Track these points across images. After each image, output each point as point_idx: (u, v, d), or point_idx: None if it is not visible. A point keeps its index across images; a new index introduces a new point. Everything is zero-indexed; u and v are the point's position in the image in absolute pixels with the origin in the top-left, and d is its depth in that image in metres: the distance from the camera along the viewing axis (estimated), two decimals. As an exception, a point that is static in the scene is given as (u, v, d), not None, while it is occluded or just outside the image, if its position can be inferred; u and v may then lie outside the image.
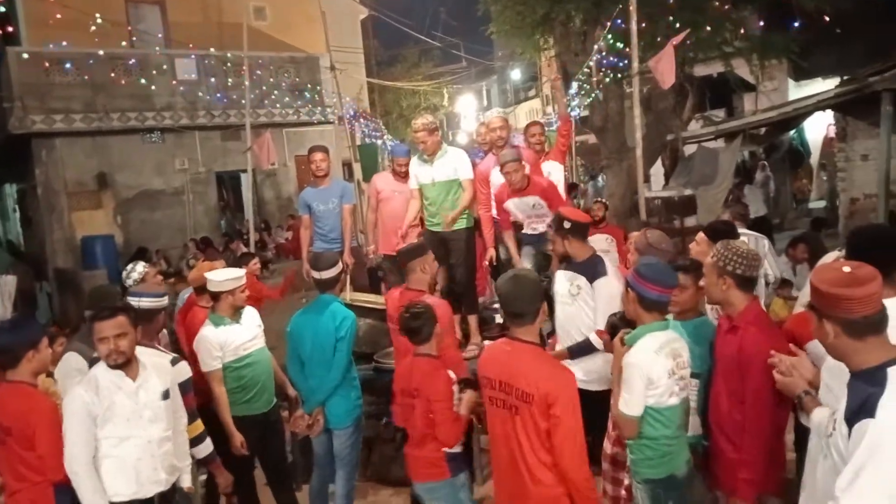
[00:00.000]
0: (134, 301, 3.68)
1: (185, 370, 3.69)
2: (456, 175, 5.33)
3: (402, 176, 6.00)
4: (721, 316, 3.17)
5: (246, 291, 4.34)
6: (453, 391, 3.40)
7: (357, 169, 14.83)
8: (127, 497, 3.19)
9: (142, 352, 3.44)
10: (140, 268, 4.91)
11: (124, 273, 4.96)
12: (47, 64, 13.18)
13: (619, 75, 10.76)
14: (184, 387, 3.62)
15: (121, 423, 3.18)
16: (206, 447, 3.75)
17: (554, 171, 5.89)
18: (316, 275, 4.29)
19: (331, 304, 4.14)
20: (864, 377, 2.00)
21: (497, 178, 5.30)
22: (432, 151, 5.34)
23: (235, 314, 4.24)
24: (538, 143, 6.02)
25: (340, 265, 4.41)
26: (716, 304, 3.11)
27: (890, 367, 1.98)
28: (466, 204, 5.34)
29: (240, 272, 4.38)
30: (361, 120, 16.55)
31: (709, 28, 10.18)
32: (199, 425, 3.71)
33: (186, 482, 3.48)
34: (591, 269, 4.03)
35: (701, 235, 3.86)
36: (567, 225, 3.99)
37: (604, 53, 9.85)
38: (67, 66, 13.18)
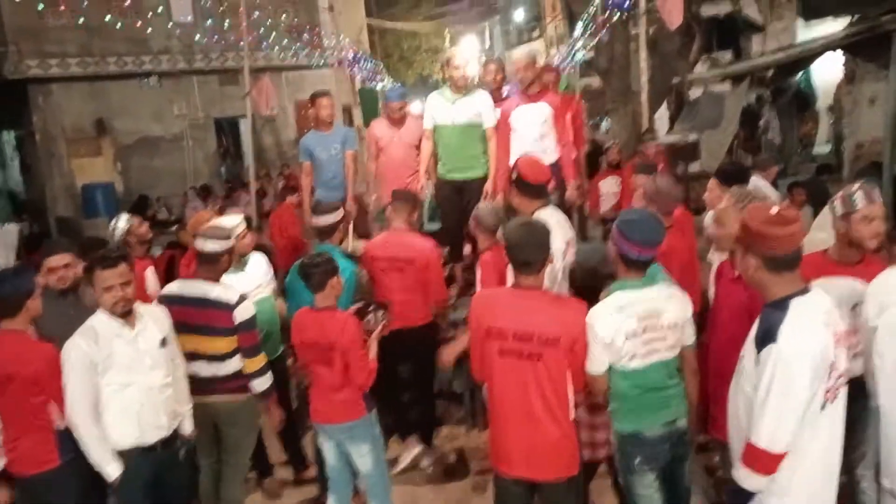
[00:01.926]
0: (200, 243, 3.71)
1: (249, 308, 3.70)
2: (479, 119, 5.16)
3: (398, 121, 5.87)
4: (723, 262, 3.15)
5: (247, 237, 4.33)
6: (363, 338, 3.53)
7: (357, 114, 14.65)
8: (130, 443, 3.25)
9: (201, 287, 3.65)
10: (123, 222, 4.89)
11: (110, 228, 4.92)
12: (41, 6, 12.85)
13: (626, 15, 10.51)
14: (248, 324, 3.68)
15: (121, 371, 3.21)
16: (265, 381, 3.78)
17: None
18: (314, 220, 4.30)
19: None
20: (773, 306, 2.30)
21: (521, 121, 5.19)
22: (461, 88, 5.18)
23: (239, 262, 4.24)
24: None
25: (341, 212, 4.39)
26: (725, 251, 3.07)
27: (793, 298, 2.28)
28: (493, 153, 5.19)
29: (238, 219, 4.36)
30: (361, 63, 16.26)
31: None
32: (263, 358, 3.76)
33: (188, 428, 3.54)
34: None
35: (713, 181, 3.82)
36: (514, 176, 3.84)
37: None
38: (61, 8, 12.84)
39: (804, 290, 2.31)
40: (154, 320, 3.40)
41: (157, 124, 15.03)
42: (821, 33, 12.27)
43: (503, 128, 5.20)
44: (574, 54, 13.02)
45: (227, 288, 3.74)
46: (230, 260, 3.87)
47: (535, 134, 5.06)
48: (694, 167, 10.27)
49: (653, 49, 10.34)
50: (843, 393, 2.36)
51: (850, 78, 10.82)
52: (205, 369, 3.70)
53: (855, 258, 3.03)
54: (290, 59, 15.75)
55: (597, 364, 2.85)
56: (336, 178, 6.08)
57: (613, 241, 2.90)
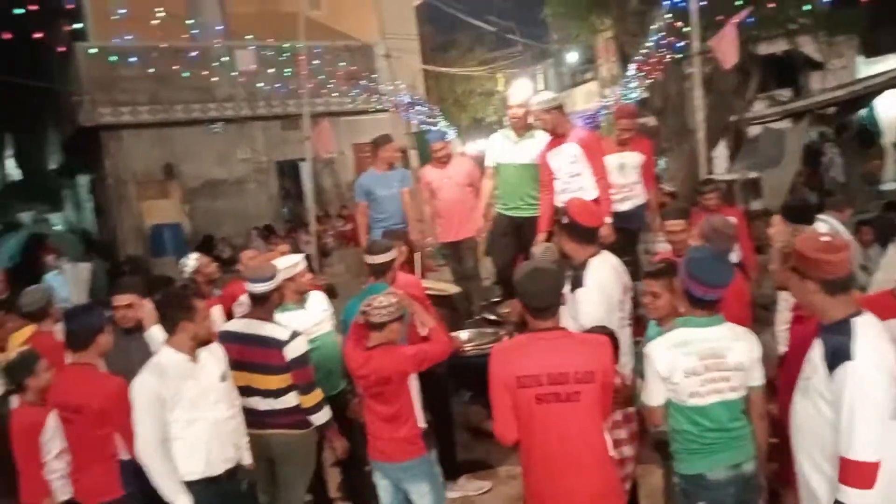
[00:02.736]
0: (247, 285, 3.86)
1: (301, 345, 3.79)
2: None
3: (443, 162, 6.01)
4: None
5: (307, 276, 4.42)
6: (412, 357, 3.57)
7: (413, 156, 14.89)
8: (198, 475, 3.32)
9: (254, 325, 3.78)
10: (192, 261, 5.08)
11: (179, 266, 5.13)
12: (114, 58, 13.48)
13: (680, 55, 10.51)
14: (301, 361, 3.75)
15: (188, 406, 3.30)
16: (324, 415, 3.85)
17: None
18: (369, 259, 4.34)
19: (380, 292, 4.18)
20: (835, 328, 2.42)
21: (553, 162, 5.22)
22: (521, 129, 5.27)
23: (300, 299, 4.34)
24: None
25: (395, 252, 4.45)
26: (785, 290, 3.05)
27: (854, 318, 2.42)
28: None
29: (297, 258, 4.46)
30: (416, 107, 16.57)
31: (772, 5, 9.82)
32: (319, 394, 3.83)
33: (247, 459, 3.60)
34: (579, 276, 3.69)
35: (777, 217, 3.81)
36: (564, 220, 3.78)
37: (663, 34, 9.63)
38: (132, 59, 13.47)
39: (859, 311, 2.45)
40: (213, 356, 3.50)
41: (222, 168, 15.54)
42: (883, 69, 12.02)
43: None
44: (627, 94, 13.05)
45: (279, 326, 3.82)
46: (280, 297, 3.97)
47: (566, 174, 5.04)
48: (755, 205, 10.09)
49: (708, 87, 10.29)
50: None
51: (915, 114, 10.52)
52: (261, 404, 3.78)
53: None
54: (347, 105, 16.17)
55: (652, 396, 2.83)
56: (393, 218, 6.19)
57: (681, 277, 2.91)
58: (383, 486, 3.70)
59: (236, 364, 3.72)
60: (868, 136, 15.12)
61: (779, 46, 13.36)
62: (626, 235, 5.25)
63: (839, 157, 14.35)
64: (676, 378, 2.77)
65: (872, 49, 14.36)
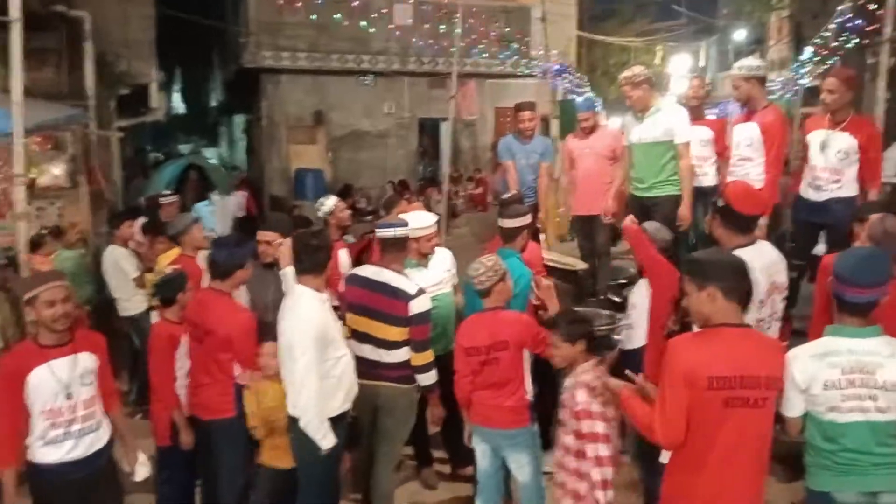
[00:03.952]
0: (386, 232, 3.87)
1: (426, 302, 3.79)
2: (668, 136, 4.95)
3: (588, 132, 5.82)
4: None
5: (434, 240, 4.41)
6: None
7: (554, 125, 14.57)
8: (337, 411, 3.42)
9: (385, 274, 3.77)
10: (330, 202, 5.21)
11: (317, 205, 5.28)
12: (281, 2, 13.93)
13: (865, 41, 9.55)
14: (422, 317, 3.76)
15: (338, 345, 3.43)
16: (430, 378, 3.83)
17: None
18: (501, 222, 4.30)
19: (508, 258, 4.10)
20: None
21: (734, 138, 4.90)
22: (640, 108, 5.03)
23: (424, 258, 4.35)
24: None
25: (528, 218, 4.36)
26: None
27: None
28: (685, 173, 4.95)
29: (432, 220, 4.44)
30: (565, 75, 16.14)
31: None
32: (430, 355, 3.81)
33: None
34: None
35: None
36: (720, 203, 3.47)
37: (850, 16, 8.76)
38: (298, 5, 13.91)
39: None
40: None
41: (367, 120, 15.93)
42: None
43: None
44: (798, 80, 12.08)
45: (408, 279, 3.84)
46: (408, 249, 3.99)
47: (736, 157, 4.77)
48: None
49: (892, 80, 9.33)
50: None
51: None
52: (372, 353, 3.81)
53: None
54: (496, 67, 16.03)
55: (790, 407, 2.62)
56: (524, 185, 6.10)
57: (830, 283, 2.65)
58: (482, 451, 3.70)
59: (359, 309, 3.80)
60: None
61: (984, 40, 11.87)
62: (810, 230, 4.83)
63: None
64: (815, 390, 2.56)
65: None
